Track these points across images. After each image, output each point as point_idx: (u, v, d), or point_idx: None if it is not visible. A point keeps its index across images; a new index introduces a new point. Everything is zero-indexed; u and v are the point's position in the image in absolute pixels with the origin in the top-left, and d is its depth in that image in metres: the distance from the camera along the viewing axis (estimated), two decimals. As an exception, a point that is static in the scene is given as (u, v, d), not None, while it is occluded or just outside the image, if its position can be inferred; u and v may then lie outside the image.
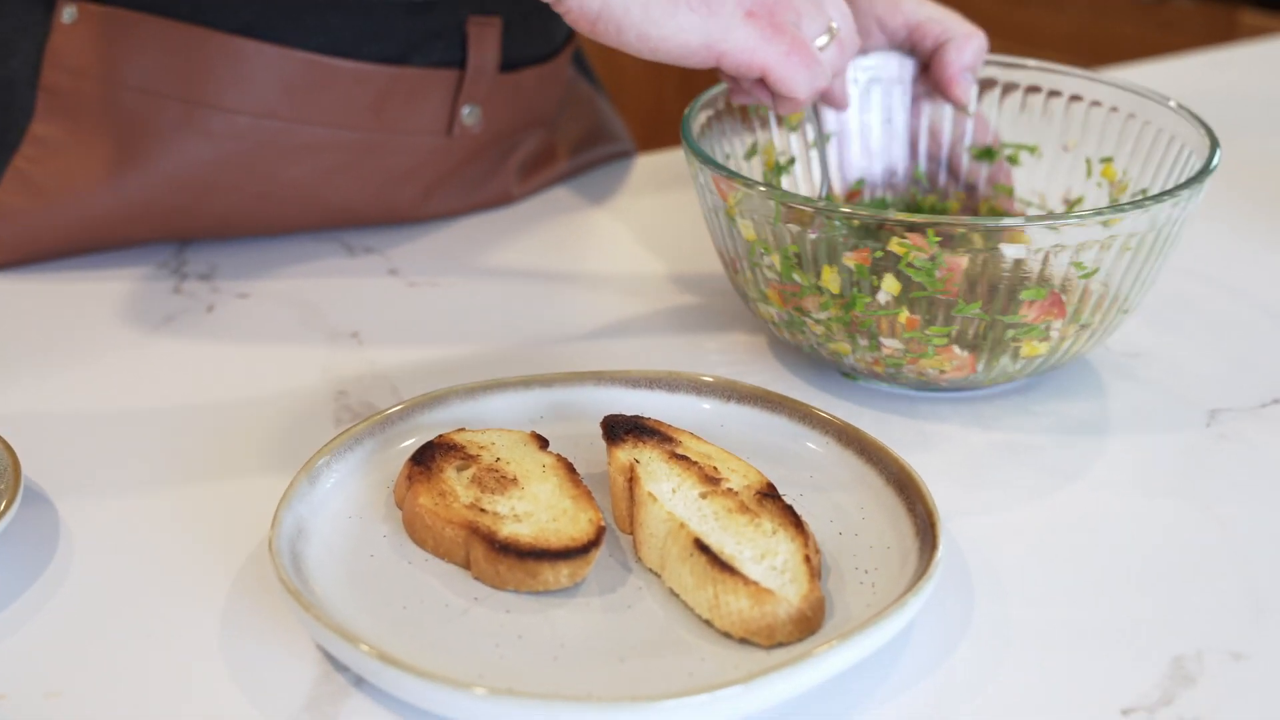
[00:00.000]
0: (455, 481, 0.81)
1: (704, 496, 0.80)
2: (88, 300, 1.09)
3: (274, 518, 0.77)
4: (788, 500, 0.81)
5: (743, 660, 0.71)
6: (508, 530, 0.77)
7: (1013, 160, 1.08)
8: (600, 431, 0.88)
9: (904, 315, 0.88)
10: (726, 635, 0.73)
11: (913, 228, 0.85)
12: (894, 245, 0.85)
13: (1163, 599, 0.78)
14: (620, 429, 0.85)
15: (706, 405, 0.91)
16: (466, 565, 0.78)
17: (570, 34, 1.25)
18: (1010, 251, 0.85)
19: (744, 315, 1.07)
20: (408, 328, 1.06)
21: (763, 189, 0.89)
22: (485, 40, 1.13)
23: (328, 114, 1.11)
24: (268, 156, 1.12)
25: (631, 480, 0.81)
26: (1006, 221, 0.85)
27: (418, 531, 0.79)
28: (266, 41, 1.08)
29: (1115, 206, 0.88)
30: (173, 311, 1.08)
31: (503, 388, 0.91)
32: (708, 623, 0.74)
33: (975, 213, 1.09)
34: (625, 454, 0.82)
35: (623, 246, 1.19)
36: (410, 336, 1.05)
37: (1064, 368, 0.99)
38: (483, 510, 0.79)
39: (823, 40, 0.93)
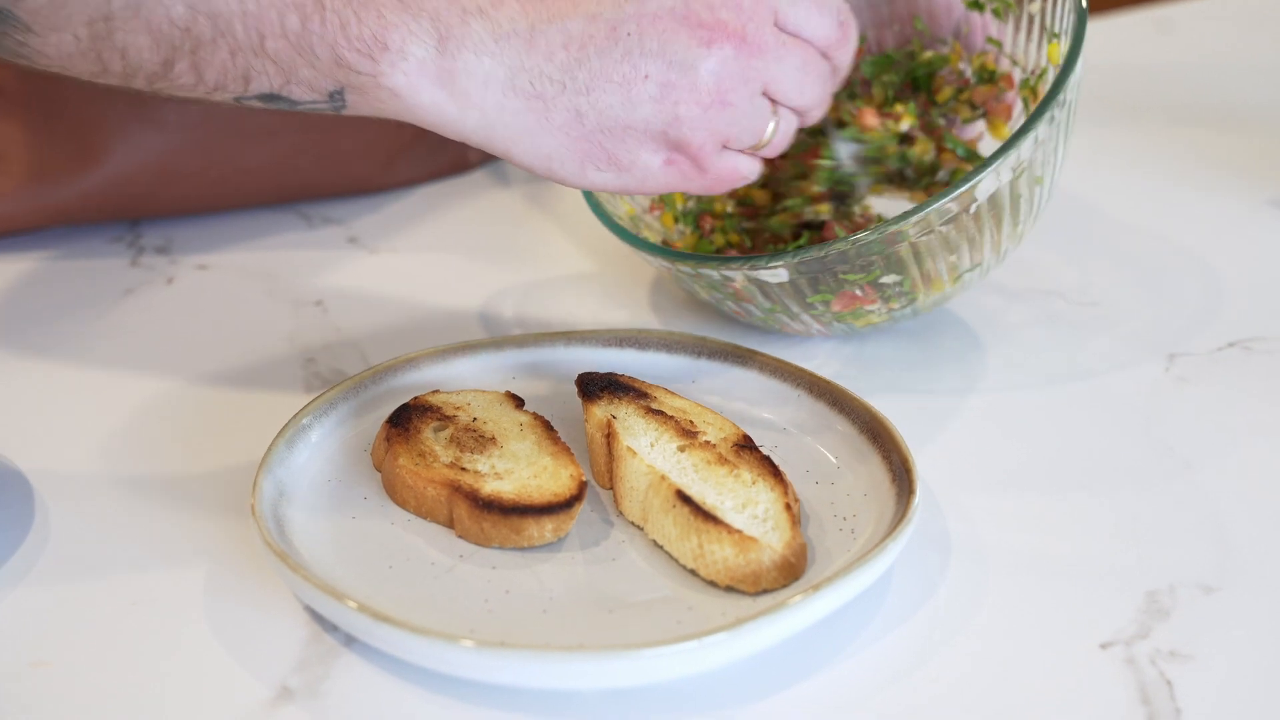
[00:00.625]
0: (434, 442, 0.81)
1: (682, 450, 0.80)
2: (43, 275, 1.08)
3: (254, 483, 0.77)
4: (764, 451, 0.82)
5: (729, 607, 0.72)
6: (490, 488, 0.77)
7: (998, 14, 1.04)
8: (574, 390, 0.88)
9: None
10: (712, 584, 0.74)
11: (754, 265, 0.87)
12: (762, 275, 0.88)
13: (1132, 536, 0.80)
14: (595, 386, 0.85)
15: (677, 361, 0.91)
16: (450, 524, 0.78)
17: None
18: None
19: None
20: (371, 294, 1.06)
21: (645, 250, 0.91)
22: None
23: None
24: (224, 142, 1.11)
25: (609, 436, 0.81)
26: (812, 251, 0.86)
27: (399, 492, 0.80)
28: None
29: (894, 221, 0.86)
30: (132, 284, 1.07)
31: (474, 349, 0.91)
32: (692, 572, 0.75)
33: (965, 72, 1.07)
34: (602, 410, 0.83)
35: (580, 211, 1.19)
36: (374, 303, 1.04)
37: (1027, 317, 1.01)
38: (463, 469, 0.79)
39: (765, 135, 0.83)
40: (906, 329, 1.00)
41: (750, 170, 0.84)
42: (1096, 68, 1.42)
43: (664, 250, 0.92)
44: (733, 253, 1.00)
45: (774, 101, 0.82)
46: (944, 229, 0.86)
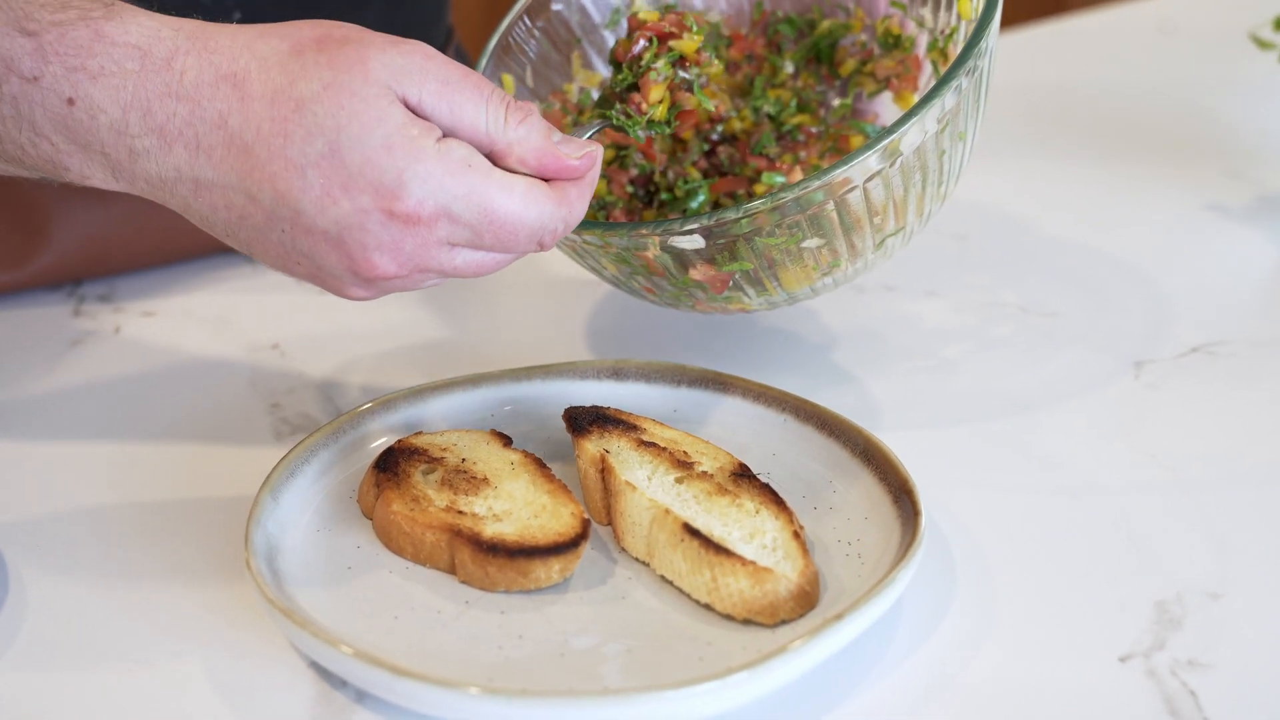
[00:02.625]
0: (425, 485, 0.79)
1: (680, 481, 0.79)
2: (-18, 329, 1.04)
3: (245, 538, 0.74)
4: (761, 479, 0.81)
5: (750, 641, 0.71)
6: (491, 530, 0.75)
7: None
8: (558, 424, 0.87)
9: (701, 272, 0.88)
10: (728, 617, 0.73)
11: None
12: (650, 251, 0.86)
13: (1130, 547, 0.80)
14: (584, 420, 0.84)
15: (657, 391, 0.90)
16: (451, 569, 0.76)
17: (449, 35, 1.23)
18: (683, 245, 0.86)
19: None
20: (328, 335, 1.03)
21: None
22: None
23: None
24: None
25: (604, 471, 0.80)
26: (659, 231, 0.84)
27: (394, 539, 0.77)
28: None
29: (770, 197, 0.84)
30: (77, 335, 1.03)
31: (450, 388, 0.89)
32: (707, 606, 0.74)
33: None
34: (594, 445, 0.81)
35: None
36: (333, 344, 1.02)
37: (994, 332, 1.01)
38: (460, 512, 0.77)
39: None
40: (878, 348, 1.00)
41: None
42: (1019, 84, 1.44)
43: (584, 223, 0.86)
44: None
45: None
46: (869, 185, 0.84)
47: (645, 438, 0.83)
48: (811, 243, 0.86)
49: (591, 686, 0.68)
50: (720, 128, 1.02)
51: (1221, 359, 0.98)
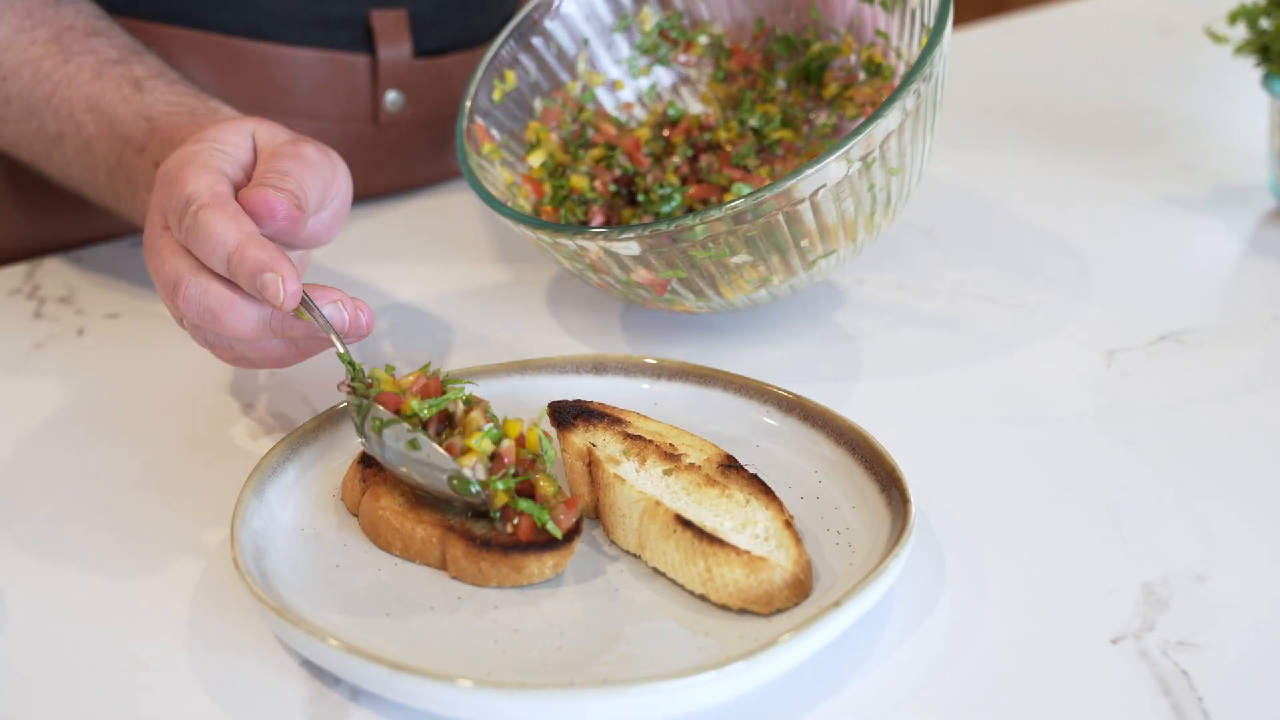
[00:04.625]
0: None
1: (669, 473, 0.79)
2: (-58, 334, 1.02)
3: (232, 537, 0.73)
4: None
5: (747, 630, 0.71)
6: (483, 526, 0.75)
7: (885, 6, 1.04)
8: (536, 419, 0.86)
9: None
10: (723, 608, 0.73)
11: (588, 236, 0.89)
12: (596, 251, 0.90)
13: (1114, 532, 0.81)
14: (568, 414, 0.83)
15: (637, 385, 0.90)
16: (442, 565, 0.75)
17: (503, 23, 1.24)
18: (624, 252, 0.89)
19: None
20: (298, 335, 1.02)
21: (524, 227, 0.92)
22: (392, 31, 1.12)
23: (244, 100, 1.09)
24: None
25: (591, 464, 0.79)
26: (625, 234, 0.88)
27: (382, 535, 0.76)
28: (180, 26, 1.08)
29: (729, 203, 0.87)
30: (40, 338, 1.01)
31: (429, 385, 0.88)
32: (701, 597, 0.73)
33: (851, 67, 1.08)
34: (580, 438, 0.81)
35: (489, 241, 1.17)
36: (303, 344, 1.01)
37: (961, 324, 1.02)
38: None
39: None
40: (850, 342, 1.00)
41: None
42: (976, 81, 1.46)
43: (524, 218, 0.92)
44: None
45: None
46: (794, 209, 0.87)
47: (631, 431, 0.82)
48: (739, 259, 0.90)
49: (591, 679, 0.68)
50: (708, 135, 1.04)
51: (1190, 347, 0.99)
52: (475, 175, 0.97)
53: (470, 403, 0.78)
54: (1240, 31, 1.33)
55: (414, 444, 0.74)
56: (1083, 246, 1.14)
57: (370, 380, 0.78)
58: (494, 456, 0.75)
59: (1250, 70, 1.37)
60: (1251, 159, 1.26)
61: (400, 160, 1.20)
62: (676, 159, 1.04)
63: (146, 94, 0.97)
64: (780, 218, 0.87)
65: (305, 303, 0.80)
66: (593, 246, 0.89)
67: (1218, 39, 1.22)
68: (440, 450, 0.74)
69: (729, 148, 1.04)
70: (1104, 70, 1.55)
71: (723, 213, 0.85)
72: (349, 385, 0.78)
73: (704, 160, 1.04)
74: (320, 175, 0.85)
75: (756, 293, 0.94)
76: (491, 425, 0.76)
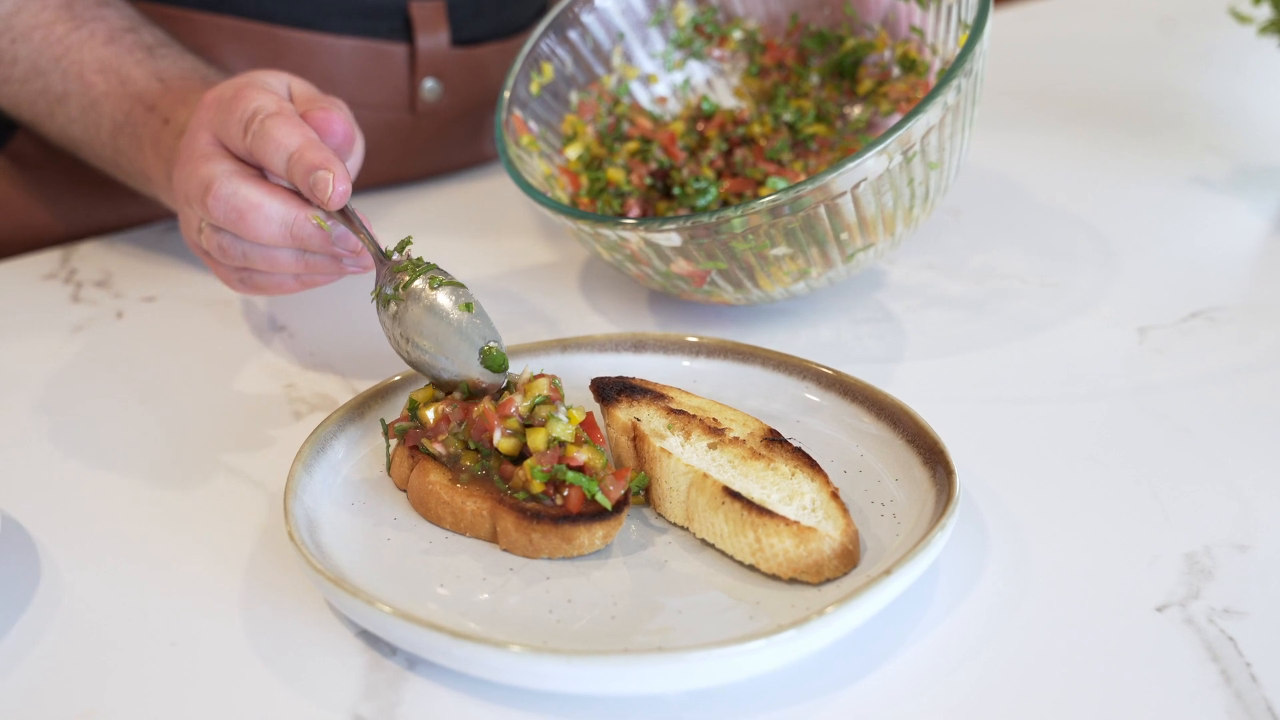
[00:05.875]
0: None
1: (713, 447, 0.80)
2: (-19, 317, 1.03)
3: (285, 511, 0.74)
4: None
5: (797, 599, 0.72)
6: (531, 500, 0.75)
7: (920, 3, 1.05)
8: (580, 397, 0.87)
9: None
10: (773, 577, 0.73)
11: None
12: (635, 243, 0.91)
13: (1154, 504, 0.81)
14: (611, 390, 0.84)
15: (676, 363, 0.90)
16: (492, 538, 0.76)
17: (538, 12, 1.25)
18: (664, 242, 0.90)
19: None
20: (335, 317, 1.03)
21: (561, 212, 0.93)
22: (431, 21, 1.13)
23: None
24: None
25: (636, 438, 0.80)
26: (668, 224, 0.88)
27: (432, 509, 0.77)
28: (223, 14, 1.10)
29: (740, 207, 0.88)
30: (79, 321, 1.02)
31: (471, 363, 0.89)
32: (751, 567, 0.74)
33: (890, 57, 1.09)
34: (624, 414, 0.82)
35: (521, 225, 1.18)
36: (338, 325, 1.01)
37: (994, 303, 1.02)
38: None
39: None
40: (883, 322, 1.01)
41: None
42: (1004, 64, 1.46)
43: (567, 209, 0.93)
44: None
45: None
46: (835, 203, 0.87)
47: (674, 406, 0.83)
48: (779, 250, 0.90)
49: (646, 645, 0.68)
50: (742, 130, 1.05)
51: (1221, 323, 1.00)
52: (515, 166, 0.97)
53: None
54: (1264, 12, 1.34)
55: (469, 305, 0.80)
56: (1108, 227, 1.15)
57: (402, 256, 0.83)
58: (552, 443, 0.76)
59: (1271, 51, 1.38)
60: (1272, 140, 1.27)
61: (435, 147, 1.21)
62: (711, 153, 1.05)
63: (159, 59, 1.01)
64: (821, 210, 0.88)
65: (345, 212, 0.84)
66: (634, 237, 0.90)
67: (1242, 19, 1.22)
68: (489, 318, 0.80)
69: (763, 142, 1.05)
70: (1122, 54, 1.56)
71: (763, 205, 0.86)
72: (383, 257, 0.83)
73: (738, 154, 1.04)
74: (352, 121, 0.93)
75: (794, 285, 0.95)
76: (562, 415, 0.77)
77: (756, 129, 1.06)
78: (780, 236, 0.89)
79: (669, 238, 0.89)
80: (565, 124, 1.07)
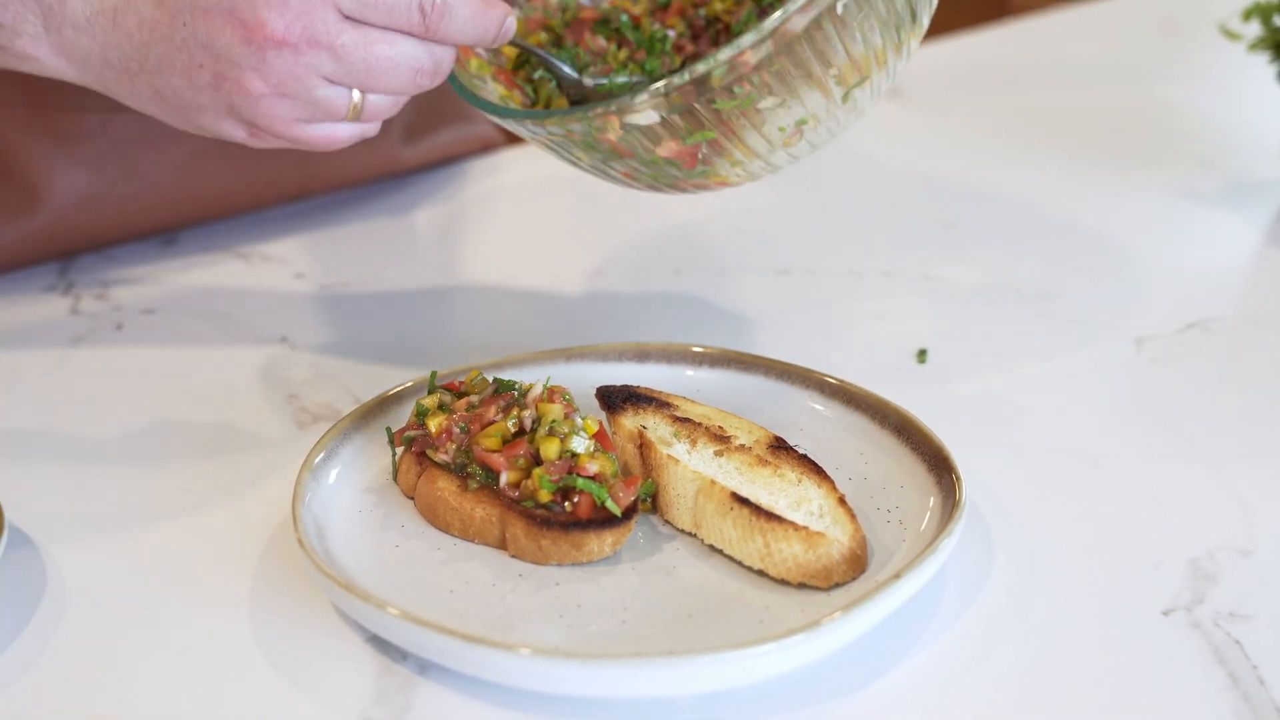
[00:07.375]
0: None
1: (720, 454, 0.80)
2: (-20, 329, 1.03)
3: (294, 518, 0.74)
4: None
5: (806, 603, 0.72)
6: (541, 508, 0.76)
7: None
8: (586, 407, 0.87)
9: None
10: (782, 582, 0.74)
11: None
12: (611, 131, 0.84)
13: (1157, 510, 0.82)
14: (617, 398, 0.84)
15: (679, 373, 0.91)
16: (501, 545, 0.76)
17: None
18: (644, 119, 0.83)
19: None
20: (336, 328, 1.03)
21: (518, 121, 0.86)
22: None
23: None
24: (152, 168, 1.08)
25: (643, 446, 0.80)
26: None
27: (441, 516, 0.77)
28: None
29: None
30: (79, 332, 1.02)
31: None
32: (759, 573, 0.74)
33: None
34: (630, 421, 0.82)
35: (518, 236, 1.18)
36: (341, 336, 1.02)
37: (991, 314, 1.03)
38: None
39: (345, 112, 0.81)
40: (879, 333, 1.01)
41: (350, 134, 0.82)
42: (995, 77, 1.47)
43: (535, 113, 0.85)
44: None
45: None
46: (808, 32, 0.80)
47: (679, 414, 0.83)
48: (768, 102, 0.83)
49: (658, 649, 0.69)
50: (703, 11, 0.99)
51: (1217, 334, 1.01)
52: (468, 89, 0.90)
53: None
54: (1253, 29, 1.35)
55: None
56: (1102, 240, 1.16)
57: None
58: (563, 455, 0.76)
59: (1260, 67, 1.39)
60: (1263, 154, 1.28)
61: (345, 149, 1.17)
62: (676, 34, 0.97)
63: None
64: (804, 42, 0.80)
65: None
66: (610, 125, 0.82)
67: (1232, 36, 1.23)
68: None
69: (727, 18, 0.98)
70: (1110, 71, 1.57)
71: (740, 45, 0.78)
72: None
73: (704, 45, 0.97)
74: None
75: (795, 144, 0.87)
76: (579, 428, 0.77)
77: (719, 6, 0.99)
78: (767, 82, 0.82)
79: (647, 115, 0.82)
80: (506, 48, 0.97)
